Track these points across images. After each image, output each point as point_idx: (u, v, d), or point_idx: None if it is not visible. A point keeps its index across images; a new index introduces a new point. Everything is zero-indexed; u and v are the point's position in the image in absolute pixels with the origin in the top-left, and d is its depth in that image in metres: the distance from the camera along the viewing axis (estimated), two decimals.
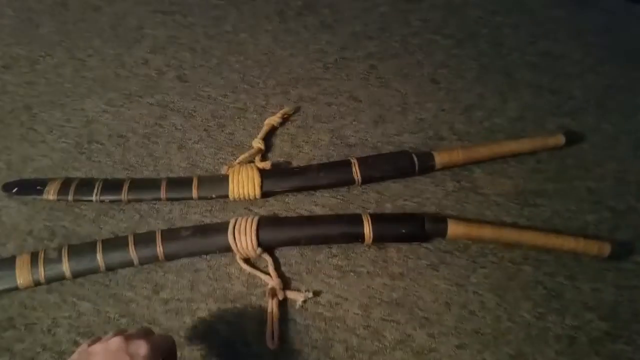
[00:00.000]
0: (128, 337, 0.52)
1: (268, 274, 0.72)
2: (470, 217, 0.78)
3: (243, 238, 0.72)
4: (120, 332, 0.54)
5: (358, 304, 0.71)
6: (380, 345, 0.67)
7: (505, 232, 0.74)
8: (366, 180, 0.80)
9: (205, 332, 0.69)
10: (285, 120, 0.90)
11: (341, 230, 0.74)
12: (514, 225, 0.77)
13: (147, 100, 0.93)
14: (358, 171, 0.79)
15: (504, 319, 0.70)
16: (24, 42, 1.03)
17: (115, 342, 0.51)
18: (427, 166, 0.80)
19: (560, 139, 0.83)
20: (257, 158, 0.84)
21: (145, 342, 0.52)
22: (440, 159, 0.80)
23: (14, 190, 0.80)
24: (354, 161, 0.80)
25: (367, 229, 0.72)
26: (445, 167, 0.82)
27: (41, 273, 0.71)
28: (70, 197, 0.78)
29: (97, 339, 0.54)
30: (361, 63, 0.98)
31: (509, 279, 0.73)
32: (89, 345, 0.53)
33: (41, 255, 0.72)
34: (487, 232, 0.73)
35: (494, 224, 0.76)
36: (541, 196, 0.80)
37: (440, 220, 0.74)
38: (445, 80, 0.95)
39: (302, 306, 0.70)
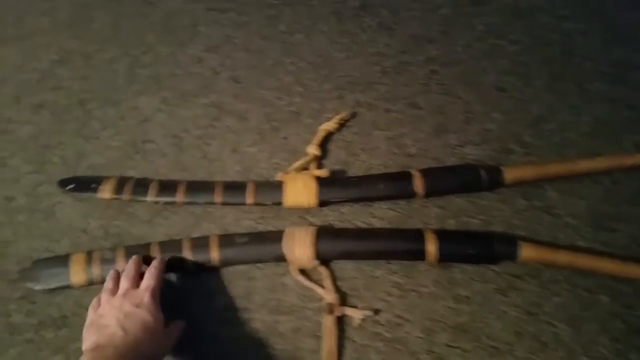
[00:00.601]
0: (130, 290, 0.62)
1: (324, 287, 0.69)
2: (541, 239, 0.73)
3: (299, 249, 0.68)
4: (114, 278, 0.65)
5: (420, 326, 0.67)
6: None
7: (581, 258, 0.68)
8: (428, 193, 0.75)
9: (259, 345, 0.66)
10: (341, 126, 0.86)
11: (402, 247, 0.70)
12: (590, 251, 0.71)
13: (201, 100, 0.91)
14: (419, 184, 0.75)
15: (579, 353, 0.64)
16: (78, 37, 1.03)
17: (118, 300, 0.61)
18: (495, 182, 0.75)
19: (638, 159, 0.77)
20: (313, 165, 0.80)
21: (145, 291, 0.62)
22: (509, 174, 0.75)
23: (70, 187, 0.79)
24: (415, 173, 0.75)
25: (431, 247, 0.68)
26: (514, 184, 0.76)
27: (96, 272, 0.70)
28: (125, 197, 0.77)
29: (97, 302, 0.63)
30: (421, 68, 0.93)
31: (584, 309, 0.67)
32: (97, 302, 0.63)
33: (97, 255, 0.71)
34: (562, 257, 0.68)
35: (569, 248, 0.71)
36: (618, 220, 0.74)
37: (511, 242, 0.69)
38: (513, 88, 0.90)
39: (360, 324, 0.67)
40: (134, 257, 0.68)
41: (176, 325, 0.64)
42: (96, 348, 0.55)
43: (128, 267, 0.66)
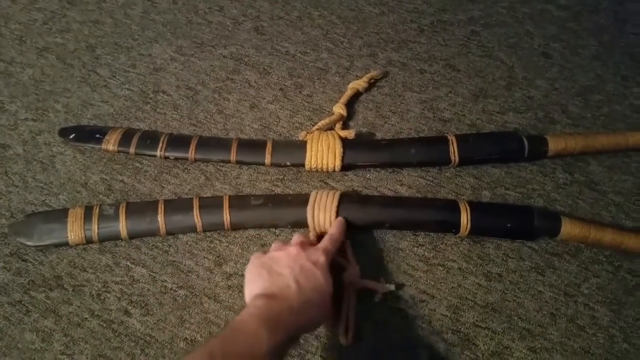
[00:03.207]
0: (305, 245, 0.56)
1: (344, 257, 0.63)
2: (583, 216, 0.67)
3: (321, 214, 0.62)
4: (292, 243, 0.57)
5: (447, 303, 0.61)
6: (472, 356, 0.58)
7: (628, 239, 0.62)
8: (464, 161, 0.69)
9: None
10: (371, 85, 0.79)
11: (434, 217, 0.64)
12: (635, 231, 0.65)
13: (219, 51, 0.85)
14: (456, 150, 0.68)
15: (619, 339, 0.59)
16: None
17: (295, 249, 0.55)
18: (537, 152, 0.69)
19: None
20: (338, 126, 0.74)
21: (322, 252, 0.56)
22: (554, 145, 0.68)
23: (71, 137, 0.73)
24: (451, 138, 0.69)
25: (465, 219, 0.62)
26: (558, 155, 0.70)
27: (95, 230, 0.64)
28: (131, 150, 0.71)
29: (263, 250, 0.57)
30: (462, 28, 0.86)
31: (627, 292, 0.62)
32: (264, 253, 0.56)
33: (96, 211, 0.65)
34: (607, 236, 0.62)
35: (614, 227, 0.64)
36: None
37: (554, 217, 0.63)
38: (559, 55, 0.82)
39: (381, 299, 0.61)
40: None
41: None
42: (272, 296, 0.49)
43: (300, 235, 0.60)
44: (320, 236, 0.62)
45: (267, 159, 0.69)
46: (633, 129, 0.74)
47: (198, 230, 0.65)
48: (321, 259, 0.55)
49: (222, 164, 0.72)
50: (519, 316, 0.60)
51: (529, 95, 0.78)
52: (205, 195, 0.68)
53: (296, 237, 0.58)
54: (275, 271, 0.53)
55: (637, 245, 0.62)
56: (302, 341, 0.59)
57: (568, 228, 0.62)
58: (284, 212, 0.64)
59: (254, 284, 0.52)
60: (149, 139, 0.71)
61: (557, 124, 0.75)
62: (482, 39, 0.85)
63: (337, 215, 0.63)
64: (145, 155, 0.72)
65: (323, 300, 0.53)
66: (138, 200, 0.68)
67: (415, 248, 0.65)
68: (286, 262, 0.53)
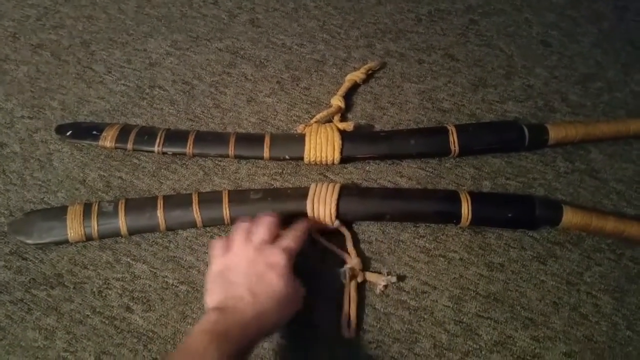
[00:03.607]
0: (267, 243, 0.55)
1: (345, 250, 0.63)
2: (584, 205, 0.66)
3: (321, 207, 0.62)
4: (243, 231, 0.57)
5: (448, 294, 0.61)
6: (475, 346, 0.58)
7: (630, 227, 0.62)
8: (464, 151, 0.68)
9: None
10: (369, 77, 0.78)
11: (435, 208, 0.63)
12: (638, 219, 0.65)
13: (215, 45, 0.84)
14: (456, 140, 0.67)
15: (622, 327, 0.59)
16: None
17: (254, 252, 0.54)
18: (538, 141, 0.68)
19: None
20: (336, 118, 0.73)
21: (283, 252, 0.54)
22: (554, 133, 0.68)
23: (68, 134, 0.73)
24: (451, 129, 0.68)
25: (466, 209, 0.62)
26: (558, 144, 0.69)
27: (94, 227, 0.64)
28: (129, 146, 0.70)
29: (226, 243, 0.56)
30: (460, 17, 0.85)
31: (629, 281, 0.61)
32: (227, 244, 0.56)
33: (95, 207, 0.64)
34: (609, 224, 0.62)
35: (615, 215, 0.64)
36: None
37: (555, 206, 0.62)
38: (558, 43, 0.82)
39: (383, 291, 0.61)
40: (275, 214, 0.60)
41: (299, 293, 0.56)
42: (223, 310, 0.50)
43: (269, 218, 0.58)
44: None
45: (266, 153, 0.69)
46: (634, 116, 0.74)
47: (198, 226, 0.64)
48: (282, 261, 0.53)
49: (220, 158, 0.71)
50: (522, 305, 0.60)
51: (529, 83, 0.78)
52: (204, 191, 0.68)
53: (260, 232, 0.56)
54: (230, 281, 0.53)
55: (639, 233, 0.62)
56: (304, 334, 0.58)
57: (570, 216, 0.62)
58: (283, 205, 0.64)
59: (212, 295, 0.53)
60: (147, 134, 0.71)
61: (557, 113, 0.74)
62: (481, 28, 0.84)
63: (338, 208, 0.62)
64: (143, 151, 0.71)
65: (280, 306, 0.52)
66: (137, 197, 0.68)
67: (416, 239, 0.65)
68: (243, 269, 0.53)
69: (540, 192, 0.68)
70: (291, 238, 0.57)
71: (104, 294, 0.62)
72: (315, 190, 0.63)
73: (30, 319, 0.60)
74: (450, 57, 0.81)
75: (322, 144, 0.68)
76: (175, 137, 0.71)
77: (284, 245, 0.56)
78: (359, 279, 0.61)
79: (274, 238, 0.57)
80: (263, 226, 0.57)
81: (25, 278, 0.63)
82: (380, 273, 0.61)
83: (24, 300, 0.61)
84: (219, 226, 0.65)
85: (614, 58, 0.80)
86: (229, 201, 0.64)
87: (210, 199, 0.65)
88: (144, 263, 0.63)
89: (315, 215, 0.62)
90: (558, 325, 0.59)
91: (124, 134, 0.71)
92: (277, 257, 0.54)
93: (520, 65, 0.80)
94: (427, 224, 0.65)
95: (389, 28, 0.85)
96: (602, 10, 0.86)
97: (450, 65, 0.80)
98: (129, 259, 0.64)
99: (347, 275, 0.60)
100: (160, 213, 0.63)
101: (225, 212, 0.63)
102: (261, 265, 0.53)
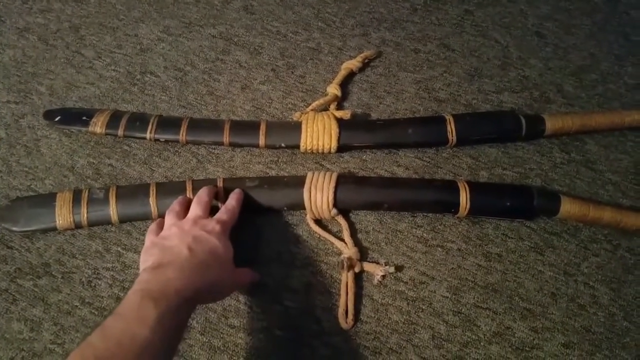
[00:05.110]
0: (200, 219, 0.55)
1: (342, 240, 0.62)
2: (581, 195, 0.66)
3: (318, 195, 0.61)
4: (182, 203, 0.58)
5: (447, 285, 0.60)
6: (474, 337, 0.57)
7: (627, 217, 0.62)
8: (461, 141, 0.68)
9: (268, 301, 0.59)
10: (365, 65, 0.77)
11: (433, 197, 0.62)
12: (634, 209, 0.65)
13: (208, 31, 0.82)
14: (453, 130, 0.67)
15: (619, 317, 0.59)
16: None
17: (188, 224, 0.54)
18: (535, 132, 0.68)
19: None
20: (333, 106, 0.72)
21: (216, 222, 0.55)
22: (551, 124, 0.68)
23: (57, 119, 0.70)
24: (448, 118, 0.68)
25: (464, 199, 0.61)
26: (555, 135, 0.69)
27: (84, 214, 0.62)
28: (120, 132, 0.68)
29: (160, 223, 0.57)
30: (455, 7, 0.85)
31: (626, 271, 0.62)
32: (158, 227, 0.57)
33: (85, 194, 0.62)
34: (606, 214, 0.62)
35: (612, 205, 0.64)
36: None
37: (553, 197, 0.62)
38: (553, 35, 0.82)
39: (380, 282, 0.60)
40: (209, 186, 0.61)
41: (247, 271, 0.58)
42: (158, 266, 0.48)
43: (201, 194, 0.59)
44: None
45: (261, 141, 0.67)
46: (628, 107, 0.74)
47: None
48: (216, 227, 0.54)
49: (214, 146, 0.69)
50: (520, 296, 0.60)
51: (524, 74, 0.77)
52: (199, 179, 0.66)
53: (194, 208, 0.57)
54: (166, 246, 0.52)
55: (635, 223, 0.62)
56: (301, 325, 0.57)
57: (567, 207, 0.61)
58: (280, 193, 0.63)
59: (146, 263, 0.51)
60: (138, 120, 0.69)
61: (553, 104, 0.74)
62: (476, 18, 0.84)
63: (335, 197, 0.61)
64: (134, 137, 0.69)
65: (221, 262, 0.52)
66: (128, 184, 0.66)
67: (414, 229, 0.64)
68: (178, 235, 0.53)
69: (536, 182, 0.67)
70: (224, 212, 0.58)
71: (93, 284, 0.60)
72: (313, 179, 0.62)
73: (15, 310, 0.58)
74: (446, 47, 0.81)
75: (319, 132, 0.67)
76: (168, 123, 0.69)
77: (216, 217, 0.57)
78: (357, 269, 0.60)
79: (209, 211, 0.58)
80: (196, 203, 0.58)
81: (11, 267, 0.61)
82: (377, 263, 0.61)
83: (9, 291, 0.59)
84: None
85: (607, 50, 0.81)
86: (225, 189, 0.62)
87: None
88: (134, 252, 0.62)
89: (313, 203, 0.61)
90: (556, 316, 0.59)
91: (114, 119, 0.69)
92: (212, 225, 0.55)
93: (516, 56, 0.80)
94: (425, 214, 0.64)
95: (384, 17, 0.84)
96: (596, 2, 0.87)
97: (446, 55, 0.80)
98: (119, 248, 0.62)
99: (345, 265, 0.59)
100: (152, 200, 0.61)
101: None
102: (197, 231, 0.53)
